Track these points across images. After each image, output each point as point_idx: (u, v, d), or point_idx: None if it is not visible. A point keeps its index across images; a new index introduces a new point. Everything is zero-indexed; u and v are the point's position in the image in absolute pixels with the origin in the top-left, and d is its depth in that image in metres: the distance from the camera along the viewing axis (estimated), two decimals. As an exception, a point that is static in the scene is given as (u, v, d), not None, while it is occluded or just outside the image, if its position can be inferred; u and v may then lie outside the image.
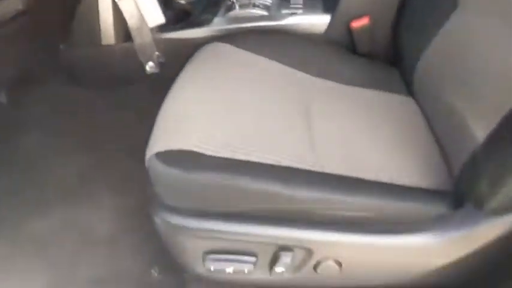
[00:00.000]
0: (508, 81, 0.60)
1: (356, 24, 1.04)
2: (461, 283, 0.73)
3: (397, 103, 0.87)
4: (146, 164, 0.66)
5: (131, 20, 0.89)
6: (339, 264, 0.68)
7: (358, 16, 1.04)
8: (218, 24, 1.12)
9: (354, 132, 0.75)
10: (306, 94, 0.83)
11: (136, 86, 1.23)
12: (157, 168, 0.63)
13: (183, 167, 0.61)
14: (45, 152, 1.20)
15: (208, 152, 0.63)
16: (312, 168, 0.65)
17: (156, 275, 0.88)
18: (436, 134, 0.77)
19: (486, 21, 0.71)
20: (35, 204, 1.05)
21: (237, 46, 0.92)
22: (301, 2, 1.16)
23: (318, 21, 1.09)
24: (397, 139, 0.75)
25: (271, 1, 1.19)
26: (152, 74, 1.04)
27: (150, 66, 1.00)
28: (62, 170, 1.14)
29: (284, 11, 1.13)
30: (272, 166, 0.63)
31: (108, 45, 1.12)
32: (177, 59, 0.94)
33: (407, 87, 0.93)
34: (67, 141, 1.22)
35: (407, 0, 1.00)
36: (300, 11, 1.12)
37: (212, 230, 0.65)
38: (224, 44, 0.93)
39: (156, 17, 0.92)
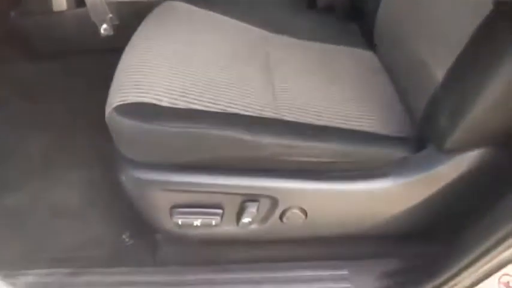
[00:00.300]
0: (463, 17, 0.62)
1: None
2: (426, 226, 0.76)
3: (357, 57, 0.89)
4: (106, 120, 0.64)
5: (82, -20, 0.85)
6: (304, 212, 0.71)
7: None
8: None
9: (314, 83, 0.76)
10: (263, 49, 0.84)
11: (91, 53, 1.20)
12: (117, 122, 0.62)
13: (143, 118, 0.61)
14: (2, 129, 1.16)
15: (167, 104, 0.63)
16: (274, 116, 0.66)
17: (127, 240, 0.87)
18: (398, 83, 0.80)
19: None
20: (1, 182, 1.02)
21: (192, 4, 0.92)
22: None
23: None
24: (357, 89, 0.77)
25: None
26: (107, 37, 1.01)
27: (104, 29, 0.96)
28: (23, 146, 1.11)
29: None
30: (232, 114, 0.64)
31: (60, 12, 1.09)
32: (130, 20, 0.90)
33: (367, 41, 0.95)
34: (24, 116, 1.18)
35: None
36: None
37: (177, 183, 0.66)
38: (179, 2, 0.92)
39: (107, -24, 0.89)
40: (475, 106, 0.57)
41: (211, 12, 0.90)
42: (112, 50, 0.83)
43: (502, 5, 0.55)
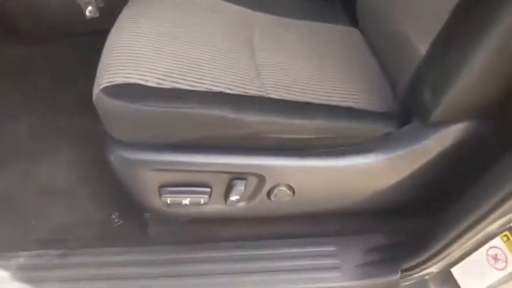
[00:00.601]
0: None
1: None
2: (412, 201, 0.77)
3: (340, 33, 0.89)
4: (94, 101, 0.64)
5: (68, -38, 0.84)
6: (291, 189, 0.71)
7: None
8: None
9: (298, 60, 0.76)
10: (247, 27, 0.83)
11: (77, 35, 1.18)
12: (105, 103, 0.62)
13: (130, 99, 0.60)
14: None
15: (154, 84, 0.63)
16: (258, 94, 0.66)
17: (116, 220, 0.88)
18: (381, 59, 0.79)
19: None
20: (-13, 163, 1.03)
21: None
22: None
23: None
24: (341, 66, 0.77)
25: None
26: (92, 19, 0.99)
27: (89, 11, 0.95)
28: (12, 129, 1.10)
29: None
30: (218, 93, 0.64)
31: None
32: (115, 2, 0.89)
33: (350, 18, 0.94)
34: (10, 98, 1.17)
35: None
36: None
37: (165, 162, 0.66)
38: None
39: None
40: (458, 79, 0.57)
41: None
42: (97, 32, 0.82)
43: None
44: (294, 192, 0.72)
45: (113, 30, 0.76)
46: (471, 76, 0.57)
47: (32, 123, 1.11)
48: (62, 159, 1.02)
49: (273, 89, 0.68)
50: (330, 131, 0.66)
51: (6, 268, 0.79)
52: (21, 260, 0.81)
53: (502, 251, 0.59)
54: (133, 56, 0.67)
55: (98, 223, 0.88)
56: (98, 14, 0.97)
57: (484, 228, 0.60)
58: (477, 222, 0.60)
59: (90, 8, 0.95)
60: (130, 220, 0.88)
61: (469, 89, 0.58)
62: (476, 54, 0.55)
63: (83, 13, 1.00)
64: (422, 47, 0.64)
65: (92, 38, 1.14)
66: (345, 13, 0.98)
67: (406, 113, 0.68)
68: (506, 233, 0.58)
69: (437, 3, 0.62)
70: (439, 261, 0.68)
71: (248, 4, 0.90)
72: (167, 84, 0.63)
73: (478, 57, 0.55)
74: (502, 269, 0.58)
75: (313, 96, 0.68)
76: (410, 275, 0.73)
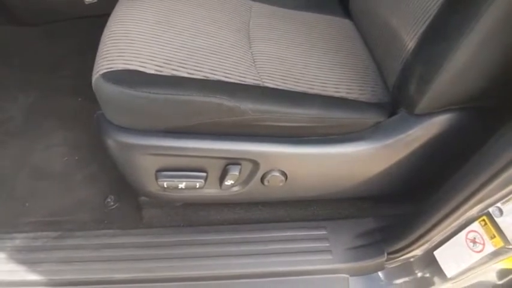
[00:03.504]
0: None
1: None
2: (400, 187, 0.80)
3: (333, 24, 0.91)
4: (93, 86, 0.65)
5: None
6: (284, 175, 0.73)
7: None
8: None
9: (292, 51, 0.77)
10: (244, 17, 0.84)
11: (74, 19, 1.17)
12: (104, 88, 0.62)
13: (130, 85, 0.61)
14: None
15: (153, 71, 0.64)
16: (255, 83, 0.67)
17: (112, 203, 0.89)
18: (373, 51, 0.82)
19: None
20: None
21: None
22: None
23: None
24: (335, 57, 0.79)
25: None
26: (90, 5, 0.99)
27: (89, -4, 0.95)
28: (7, 110, 1.10)
29: None
30: (216, 81, 0.65)
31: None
32: None
33: (345, 10, 0.96)
34: (5, 80, 1.16)
35: None
36: None
37: (163, 147, 0.67)
38: None
39: None
40: (442, 72, 0.59)
41: None
42: (94, 17, 0.82)
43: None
44: (286, 178, 0.74)
45: (111, 18, 0.76)
46: (454, 70, 0.59)
47: (27, 105, 1.11)
48: (57, 142, 1.03)
49: (269, 78, 0.70)
50: (323, 120, 0.68)
51: (1, 250, 0.80)
52: (16, 242, 0.82)
53: (479, 234, 0.62)
54: (132, 43, 0.68)
55: (94, 206, 0.90)
56: (96, 0, 0.97)
57: (464, 213, 0.63)
58: (457, 207, 0.63)
59: (90, -7, 0.95)
60: (126, 203, 0.90)
61: (452, 82, 0.61)
62: (459, 48, 0.57)
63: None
64: (410, 42, 0.66)
65: (88, 22, 1.14)
66: (339, 5, 1.00)
67: (395, 104, 0.71)
68: (484, 217, 0.61)
69: (423, 3, 0.65)
70: (422, 244, 0.71)
71: None
72: (166, 72, 0.64)
73: (461, 51, 0.57)
74: (480, 251, 0.62)
75: (307, 86, 0.70)
76: (396, 258, 0.76)
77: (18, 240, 0.82)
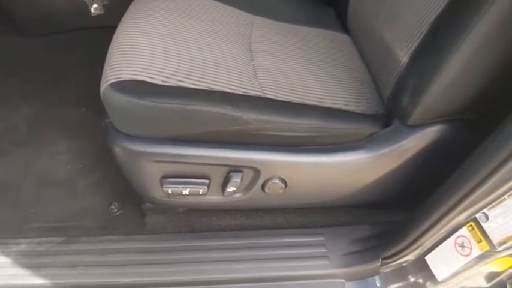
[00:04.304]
0: (424, 6, 0.68)
1: None
2: (394, 195, 0.84)
3: (332, 38, 0.95)
4: (101, 95, 0.68)
5: (76, -38, 0.87)
6: (284, 182, 0.77)
7: None
8: None
9: (292, 63, 0.81)
10: (246, 30, 0.88)
11: (79, 30, 1.20)
12: (113, 97, 0.65)
13: (137, 94, 0.64)
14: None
15: (159, 82, 0.67)
16: (257, 94, 0.71)
17: (116, 210, 0.92)
18: (369, 65, 0.86)
19: None
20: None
21: None
22: None
23: None
24: (333, 70, 0.83)
25: None
26: (95, 16, 1.02)
27: (94, 8, 0.99)
28: (12, 118, 1.12)
29: None
30: (220, 92, 0.69)
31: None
32: (120, 2, 0.93)
33: (342, 24, 1.01)
34: (9, 89, 1.19)
35: None
36: None
37: (168, 154, 0.70)
38: None
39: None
40: (432, 86, 0.63)
41: None
42: (99, 28, 0.85)
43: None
44: (286, 185, 0.77)
45: (119, 30, 0.80)
46: (445, 83, 0.63)
47: (30, 115, 1.14)
48: (62, 150, 1.05)
49: (270, 89, 0.73)
50: (322, 130, 0.72)
51: (7, 254, 0.82)
52: (22, 247, 0.84)
53: (467, 239, 0.65)
54: (139, 55, 0.72)
55: (97, 212, 0.92)
56: (102, 11, 1.00)
57: (452, 219, 0.67)
58: (446, 214, 0.67)
59: (95, 5, 0.99)
60: (129, 210, 0.92)
61: (443, 95, 0.65)
62: (449, 63, 0.61)
63: (86, 9, 1.03)
64: (404, 56, 0.70)
65: (93, 33, 1.17)
66: (338, 20, 1.04)
67: (389, 115, 0.75)
68: (471, 223, 0.65)
69: (417, 17, 0.69)
70: (414, 249, 0.75)
71: (248, 8, 0.95)
72: (172, 83, 0.68)
73: (451, 66, 0.61)
74: (467, 255, 0.65)
75: (307, 97, 0.74)
76: (390, 263, 0.79)
77: (24, 245, 0.84)
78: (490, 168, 0.60)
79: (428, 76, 0.64)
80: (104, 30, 0.87)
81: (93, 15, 1.00)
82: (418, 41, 0.68)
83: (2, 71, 1.23)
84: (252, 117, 0.67)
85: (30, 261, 0.81)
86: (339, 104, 0.75)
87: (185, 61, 0.72)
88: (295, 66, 0.81)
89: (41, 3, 1.15)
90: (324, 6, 1.11)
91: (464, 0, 0.61)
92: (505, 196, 0.61)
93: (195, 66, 0.72)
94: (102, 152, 0.82)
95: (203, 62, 0.73)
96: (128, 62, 0.70)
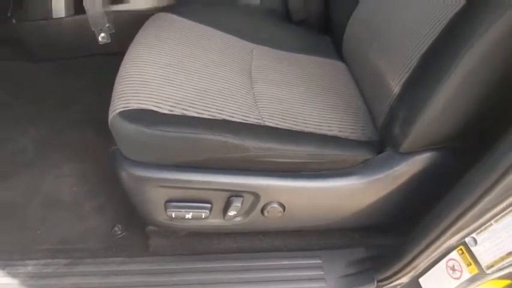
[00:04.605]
0: (414, 40, 0.73)
1: None
2: (389, 219, 0.87)
3: (328, 66, 1.00)
4: (109, 123, 0.72)
5: (86, -6, 0.93)
6: (282, 207, 0.80)
7: None
8: None
9: (290, 91, 0.86)
10: (246, 59, 0.93)
11: (86, 56, 1.25)
12: (121, 125, 0.69)
13: (145, 123, 0.68)
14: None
15: (165, 111, 0.71)
16: (257, 122, 0.75)
17: (119, 232, 0.94)
18: (363, 93, 0.90)
19: None
20: (-5, 176, 1.08)
21: (182, 16, 1.00)
22: None
23: None
24: (329, 97, 0.87)
25: None
26: (104, 45, 1.08)
27: (102, 37, 1.04)
28: (20, 141, 1.16)
29: None
30: (222, 121, 0.73)
31: (59, 19, 1.16)
32: (126, 29, 0.99)
33: (338, 52, 1.05)
34: (17, 112, 1.24)
35: None
36: None
37: (172, 180, 0.74)
38: (170, 15, 1.00)
39: (107, -12, 0.97)
40: (421, 117, 0.67)
41: (199, 24, 0.99)
42: (106, 54, 0.90)
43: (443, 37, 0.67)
44: (284, 209, 0.80)
45: (125, 60, 0.84)
46: (433, 114, 0.67)
47: (38, 137, 1.18)
48: (68, 172, 1.09)
49: (269, 117, 0.77)
50: (318, 157, 0.75)
51: (14, 276, 0.85)
52: (29, 268, 0.87)
53: (458, 262, 0.68)
54: (146, 84, 0.76)
55: (102, 235, 0.95)
56: (109, 40, 1.06)
57: (444, 243, 0.70)
58: (438, 238, 0.70)
59: (103, 34, 1.04)
60: (132, 233, 0.95)
61: (432, 126, 0.69)
62: (437, 96, 0.65)
63: (93, 36, 1.08)
64: (395, 87, 0.74)
65: (100, 59, 1.22)
66: (334, 48, 1.09)
67: (383, 142, 0.79)
68: (461, 247, 0.68)
69: (408, 51, 0.74)
70: (408, 272, 0.77)
71: (248, 37, 1.00)
72: (178, 111, 0.72)
73: (438, 99, 0.65)
74: (458, 278, 0.68)
75: (303, 125, 0.78)
76: (385, 285, 0.82)
77: (30, 266, 0.87)
78: (477, 195, 0.63)
79: (418, 108, 0.68)
80: (110, 56, 0.92)
81: (100, 43, 1.06)
82: (409, 73, 0.72)
83: (11, 95, 1.28)
84: (252, 145, 0.71)
85: (37, 283, 0.83)
86: (335, 130, 0.79)
87: (189, 90, 0.76)
88: (293, 93, 0.86)
89: (50, 30, 1.21)
90: (321, 35, 1.17)
91: (451, 35, 0.66)
92: (492, 221, 0.65)
93: (199, 95, 0.76)
94: (107, 175, 0.85)
95: (206, 91, 0.77)
96: (135, 91, 0.74)
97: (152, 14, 1.03)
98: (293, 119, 0.79)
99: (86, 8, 0.97)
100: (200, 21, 1.00)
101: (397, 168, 0.75)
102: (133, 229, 0.95)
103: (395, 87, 0.74)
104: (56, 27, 1.19)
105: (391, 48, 0.80)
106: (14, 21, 1.13)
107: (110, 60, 0.92)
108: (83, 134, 1.17)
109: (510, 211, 0.64)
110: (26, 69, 1.34)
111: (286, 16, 1.20)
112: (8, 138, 1.16)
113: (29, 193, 1.03)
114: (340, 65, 1.02)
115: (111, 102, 0.74)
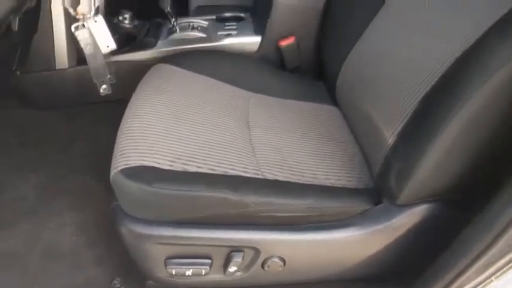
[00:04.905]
0: (405, 89, 0.74)
1: (283, 43, 1.21)
2: (388, 270, 0.86)
3: (323, 112, 1.01)
4: (111, 180, 0.73)
5: (87, 48, 0.96)
6: (283, 260, 0.80)
7: (285, 36, 1.21)
8: (162, 47, 1.24)
9: (288, 140, 0.87)
10: (244, 107, 0.95)
11: (86, 105, 1.28)
12: (123, 183, 0.70)
13: (145, 181, 0.69)
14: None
15: (166, 167, 0.72)
16: (256, 176, 0.76)
17: (118, 286, 0.93)
18: (358, 139, 0.91)
19: (390, 40, 0.86)
20: (-4, 224, 1.08)
21: (180, 67, 1.03)
22: (235, 24, 1.31)
23: (250, 41, 1.25)
24: (324, 144, 0.88)
25: (207, 23, 1.34)
26: (105, 96, 1.10)
27: (103, 89, 1.07)
28: (19, 188, 1.16)
29: (220, 33, 1.27)
30: (221, 175, 0.74)
31: (62, 69, 1.19)
32: (126, 79, 1.03)
33: (332, 97, 1.07)
34: (20, 160, 1.24)
35: (326, 19, 1.17)
36: (234, 32, 1.27)
37: (172, 237, 0.74)
38: (169, 66, 1.03)
39: (108, 43, 0.99)
40: (416, 171, 0.68)
41: (197, 75, 1.01)
42: (108, 102, 0.92)
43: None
44: (285, 263, 0.80)
45: (126, 113, 0.86)
46: (429, 169, 0.67)
47: (39, 184, 1.18)
48: (68, 221, 1.08)
49: (267, 168, 0.78)
50: (317, 210, 0.76)
51: None
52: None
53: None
54: (146, 139, 0.77)
55: (101, 287, 0.94)
56: (111, 91, 1.08)
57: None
58: None
59: (104, 86, 1.07)
60: (132, 286, 0.94)
61: (428, 179, 0.69)
62: (433, 149, 0.65)
63: (95, 85, 1.11)
64: (389, 137, 0.74)
65: (102, 106, 1.25)
66: (328, 93, 1.11)
67: (379, 191, 0.79)
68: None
69: (402, 101, 0.74)
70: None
71: (245, 86, 1.02)
72: (178, 166, 0.73)
73: (435, 152, 0.65)
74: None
75: (301, 174, 0.78)
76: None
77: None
78: (476, 252, 0.63)
79: (413, 161, 0.68)
80: (112, 104, 0.93)
81: (102, 95, 1.08)
82: (402, 124, 0.72)
83: (13, 142, 1.29)
84: (251, 200, 0.72)
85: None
86: (332, 179, 0.80)
87: (190, 143, 0.78)
88: (290, 141, 0.87)
89: (53, 81, 1.23)
90: (315, 81, 1.19)
91: (448, 85, 0.65)
92: (492, 278, 0.65)
93: (198, 148, 0.77)
94: (107, 224, 0.85)
95: (206, 143, 0.79)
96: (135, 146, 0.76)
97: (152, 64, 1.06)
98: (291, 169, 0.79)
99: (88, 62, 1.00)
100: (198, 72, 1.02)
101: (394, 220, 0.76)
102: (132, 283, 0.94)
103: (390, 138, 0.74)
104: (59, 78, 1.21)
105: (384, 97, 0.80)
106: (18, 73, 1.16)
107: (111, 107, 0.94)
108: (84, 180, 1.18)
109: (510, 267, 0.64)
110: (28, 117, 1.36)
111: (280, 64, 1.24)
112: (9, 185, 1.16)
113: (29, 242, 1.03)
114: (334, 110, 1.03)
115: (113, 158, 0.76)
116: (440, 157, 0.66)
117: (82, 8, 0.86)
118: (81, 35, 0.93)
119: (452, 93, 0.63)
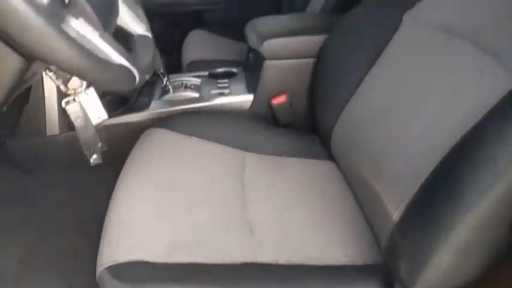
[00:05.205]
0: (414, 157, 0.68)
1: (275, 101, 1.22)
2: None
3: (319, 168, 0.98)
4: (97, 278, 0.68)
5: (77, 121, 0.94)
6: None
7: (277, 94, 1.21)
8: (155, 108, 1.24)
9: (286, 213, 0.82)
10: (238, 168, 0.93)
11: (77, 169, 1.26)
12: (109, 284, 0.66)
13: (134, 281, 0.65)
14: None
15: (157, 260, 0.68)
16: (255, 261, 0.70)
17: None
18: (359, 202, 0.86)
19: (383, 101, 0.84)
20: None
21: (173, 130, 1.02)
22: (227, 82, 1.32)
23: (243, 99, 1.25)
24: (326, 215, 0.83)
25: (200, 80, 1.35)
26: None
27: (94, 159, 1.04)
28: (3, 257, 1.11)
29: (213, 91, 1.28)
30: (218, 265, 0.69)
31: (53, 136, 1.18)
32: (119, 143, 1.01)
33: (328, 151, 1.04)
34: (7, 222, 1.20)
35: (318, 76, 1.16)
36: (227, 91, 1.28)
37: None
38: (162, 130, 1.03)
39: (99, 114, 0.98)
40: (429, 265, 0.59)
41: (190, 137, 1.01)
42: (98, 166, 0.90)
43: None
44: None
45: (113, 200, 0.83)
46: (446, 261, 0.58)
47: (22, 248, 1.12)
48: (53, 288, 1.02)
49: (266, 250, 0.73)
50: None
51: None
52: None
53: None
54: (134, 226, 0.73)
55: None
56: (101, 161, 1.07)
57: None
58: None
59: (95, 156, 1.05)
60: None
61: (443, 274, 0.60)
62: (453, 230, 0.56)
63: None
64: (394, 212, 0.67)
65: (90, 171, 1.22)
66: (323, 147, 1.08)
67: (388, 271, 0.70)
68: None
69: (406, 166, 0.68)
70: None
71: (239, 145, 1.01)
72: (170, 259, 0.68)
73: (453, 241, 0.56)
74: None
75: (304, 255, 0.73)
76: None
77: None
78: None
79: (426, 243, 0.59)
80: (102, 168, 0.92)
81: (92, 165, 1.07)
82: (408, 199, 0.64)
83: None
84: None
85: None
86: (338, 255, 0.74)
87: (182, 228, 0.74)
88: (290, 215, 0.82)
89: (44, 147, 1.22)
90: (309, 135, 1.17)
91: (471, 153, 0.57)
92: None
93: (192, 233, 0.73)
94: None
95: (197, 227, 0.75)
96: (123, 237, 0.72)
97: (146, 126, 1.06)
98: (292, 251, 0.74)
99: (78, 134, 0.99)
100: (191, 134, 1.01)
101: None
102: None
103: (395, 213, 0.67)
104: (50, 144, 1.20)
105: (383, 165, 0.75)
106: (7, 140, 1.15)
107: (101, 172, 0.92)
108: (71, 244, 1.11)
109: None
110: (12, 178, 1.32)
111: (274, 120, 1.24)
112: None
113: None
114: (330, 165, 1.00)
115: (99, 251, 0.71)
116: (459, 248, 0.57)
117: (73, 83, 0.86)
118: (72, 109, 0.92)
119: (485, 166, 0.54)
